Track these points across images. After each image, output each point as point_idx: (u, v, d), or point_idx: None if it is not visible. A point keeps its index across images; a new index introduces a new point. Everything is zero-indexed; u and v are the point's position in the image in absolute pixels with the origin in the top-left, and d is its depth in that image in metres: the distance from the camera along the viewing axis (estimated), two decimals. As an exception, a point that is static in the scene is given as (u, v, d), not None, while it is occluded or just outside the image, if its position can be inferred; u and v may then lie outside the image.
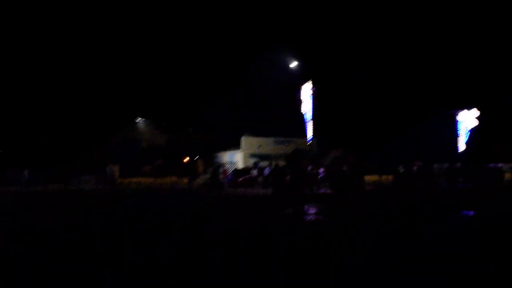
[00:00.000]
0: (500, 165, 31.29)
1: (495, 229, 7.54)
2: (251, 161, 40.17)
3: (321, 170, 27.80)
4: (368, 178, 30.19)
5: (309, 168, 23.35)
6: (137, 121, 44.43)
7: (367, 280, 4.42)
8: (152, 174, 32.78)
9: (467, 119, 39.94)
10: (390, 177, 30.73)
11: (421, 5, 50.02)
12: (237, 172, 34.09)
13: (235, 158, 41.94)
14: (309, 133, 34.08)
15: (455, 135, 39.45)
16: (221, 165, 26.09)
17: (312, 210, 12.50)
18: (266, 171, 32.20)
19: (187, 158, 35.36)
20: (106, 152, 34.59)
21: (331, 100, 40.62)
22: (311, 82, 33.39)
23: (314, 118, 34.05)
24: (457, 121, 39.03)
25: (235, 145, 42.94)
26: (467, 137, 39.84)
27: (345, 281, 4.42)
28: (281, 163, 35.14)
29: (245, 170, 34.13)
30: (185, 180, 29.69)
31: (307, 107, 34.13)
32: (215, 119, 46.64)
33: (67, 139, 35.70)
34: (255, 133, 43.72)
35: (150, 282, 4.58)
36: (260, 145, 41.96)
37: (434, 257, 5.33)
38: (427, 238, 6.79)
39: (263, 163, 39.27)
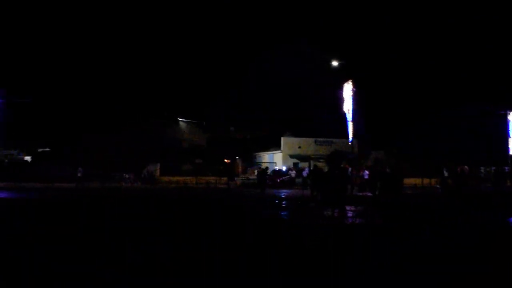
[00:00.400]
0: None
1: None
2: (291, 161, 40.38)
3: (366, 172, 27.28)
4: (409, 181, 29.47)
5: (350, 170, 23.01)
6: (178, 121, 45.08)
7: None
8: (191, 173, 33.05)
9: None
10: (433, 181, 29.75)
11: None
12: (276, 172, 33.99)
13: (275, 159, 41.73)
14: (350, 134, 33.28)
15: (505, 136, 37.54)
16: (266, 167, 26.07)
17: (349, 213, 12.39)
18: (305, 172, 32.25)
19: (227, 161, 35.50)
20: (148, 151, 35.14)
21: (372, 100, 39.86)
22: (351, 81, 32.58)
23: (355, 118, 33.21)
24: (509, 121, 37.04)
25: (275, 146, 42.79)
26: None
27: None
28: (321, 164, 35.38)
29: (285, 171, 33.93)
30: (224, 179, 29.88)
31: (348, 107, 33.36)
32: (256, 119, 46.66)
33: (110, 139, 36.56)
34: (295, 133, 43.47)
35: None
36: (300, 146, 41.63)
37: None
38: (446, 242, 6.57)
39: (303, 164, 39.44)
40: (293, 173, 32.65)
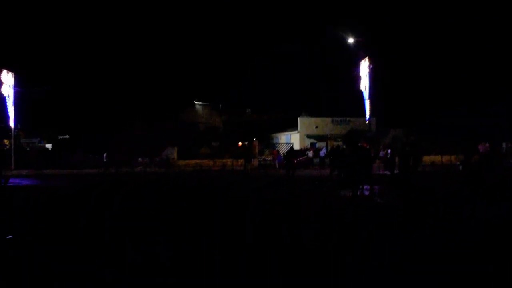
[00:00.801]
0: None
1: None
2: (308, 142, 40.33)
3: (382, 152, 27.04)
4: (429, 158, 29.08)
5: (367, 148, 22.78)
6: (194, 104, 45.15)
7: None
8: (208, 156, 33.28)
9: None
10: (453, 157, 29.26)
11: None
12: (293, 152, 33.69)
13: (292, 139, 41.59)
14: (368, 112, 32.91)
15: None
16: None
17: (367, 192, 12.24)
18: (323, 152, 32.13)
19: (240, 144, 35.52)
20: (166, 135, 35.33)
21: (390, 77, 39.30)
22: (368, 58, 32.08)
23: (372, 96, 32.83)
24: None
25: (292, 126, 42.59)
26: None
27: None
28: (338, 143, 35.16)
29: (301, 151, 33.80)
30: (241, 161, 29.92)
31: (364, 85, 32.93)
32: (272, 99, 46.50)
33: (128, 125, 37.02)
34: (312, 113, 43.19)
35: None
36: (317, 126, 41.32)
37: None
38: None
39: (320, 144, 39.30)
40: (310, 153, 32.55)
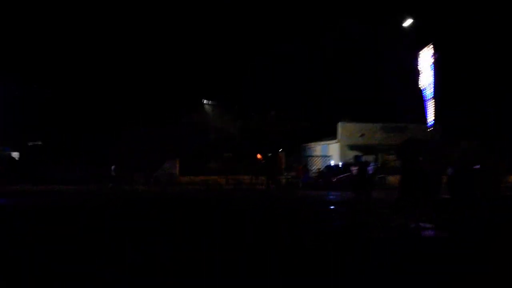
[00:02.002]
0: None
1: None
2: (351, 154, 38.15)
3: (451, 170, 26.53)
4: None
5: (430, 164, 22.37)
6: (203, 105, 45.23)
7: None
8: (220, 171, 33.48)
9: None
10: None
11: None
12: (331, 169, 33.86)
13: (330, 151, 41.51)
14: (430, 117, 32.28)
15: None
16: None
17: (428, 225, 11.90)
18: (371, 168, 31.52)
19: (260, 156, 35.49)
20: (164, 144, 35.72)
21: (460, 71, 38.74)
22: (432, 46, 31.45)
23: (436, 96, 32.19)
24: None
25: (330, 134, 42.46)
26: None
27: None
28: (391, 158, 34.45)
29: (343, 167, 33.63)
30: (262, 179, 29.88)
31: (426, 81, 32.28)
32: (303, 100, 46.21)
33: (120, 131, 37.73)
34: (356, 117, 42.93)
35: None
36: (363, 133, 41.20)
37: None
38: None
39: (367, 158, 38.68)
40: (354, 170, 32.02)
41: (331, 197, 23.93)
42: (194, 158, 35.14)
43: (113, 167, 29.59)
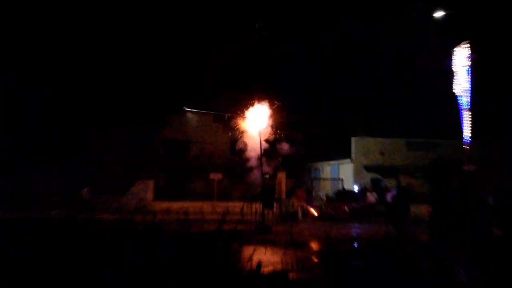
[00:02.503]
0: None
1: None
2: (368, 177, 39.78)
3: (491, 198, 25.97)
4: None
5: (470, 190, 22.05)
6: (185, 112, 44.84)
7: None
8: (204, 196, 32.93)
9: None
10: None
11: None
12: (343, 195, 33.33)
13: (341, 172, 41.58)
14: (466, 131, 31.51)
15: None
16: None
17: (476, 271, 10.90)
18: (391, 194, 30.59)
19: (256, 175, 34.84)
20: (134, 161, 35.43)
21: (504, 74, 38.17)
22: (468, 45, 30.77)
23: (474, 105, 31.56)
24: None
25: (341, 151, 42.41)
26: None
27: None
28: (417, 183, 33.62)
29: (359, 193, 33.71)
30: (257, 205, 28.87)
31: (462, 86, 31.44)
32: (309, 108, 45.73)
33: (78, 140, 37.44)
34: (372, 131, 42.83)
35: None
36: (382, 152, 40.99)
37: None
38: None
39: (388, 182, 37.96)
40: (372, 196, 31.42)
41: (351, 232, 22.94)
42: (172, 178, 34.75)
43: (85, 189, 29.89)
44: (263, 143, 26.57)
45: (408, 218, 17.37)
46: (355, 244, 17.53)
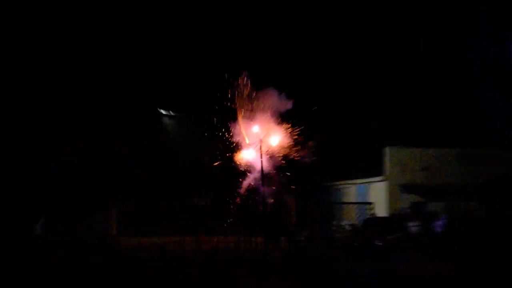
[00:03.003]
0: None
1: None
2: (405, 199, 39.26)
3: None
4: None
5: None
6: (160, 116, 44.00)
7: None
8: (186, 228, 32.17)
9: None
10: None
11: None
12: (373, 224, 32.81)
13: (371, 194, 41.07)
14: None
15: None
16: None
17: None
18: (440, 223, 31.10)
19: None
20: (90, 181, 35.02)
21: None
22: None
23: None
24: None
25: (370, 167, 41.96)
26: None
27: None
28: (470, 206, 32.70)
29: (394, 220, 33.20)
30: (258, 239, 28.82)
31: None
32: (326, 110, 44.69)
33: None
34: (410, 140, 42.51)
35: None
36: (425, 167, 40.00)
37: None
38: None
39: (433, 205, 37.91)
40: (414, 226, 30.98)
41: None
42: (143, 205, 34.47)
43: (41, 220, 30.45)
44: (265, 156, 25.97)
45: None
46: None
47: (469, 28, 43.31)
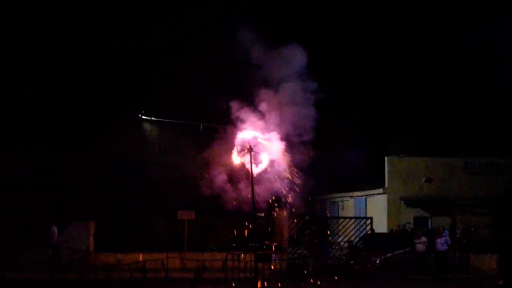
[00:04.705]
0: None
1: None
2: (408, 213, 39.54)
3: None
4: None
5: None
6: (141, 122, 44.42)
7: None
8: (171, 243, 32.41)
9: None
10: None
11: None
12: (373, 240, 33.40)
13: (370, 208, 41.47)
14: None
15: None
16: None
17: None
18: (443, 239, 31.48)
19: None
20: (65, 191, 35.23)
21: None
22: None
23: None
24: None
25: (369, 178, 42.18)
26: None
27: None
28: (479, 221, 32.84)
29: (396, 237, 33.79)
30: (247, 257, 26.71)
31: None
32: (324, 117, 44.94)
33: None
34: (412, 149, 42.84)
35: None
36: (429, 178, 40.33)
37: None
38: None
39: (439, 220, 38.07)
40: (420, 243, 31.16)
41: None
42: (123, 219, 34.43)
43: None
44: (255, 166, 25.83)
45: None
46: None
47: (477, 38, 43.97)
